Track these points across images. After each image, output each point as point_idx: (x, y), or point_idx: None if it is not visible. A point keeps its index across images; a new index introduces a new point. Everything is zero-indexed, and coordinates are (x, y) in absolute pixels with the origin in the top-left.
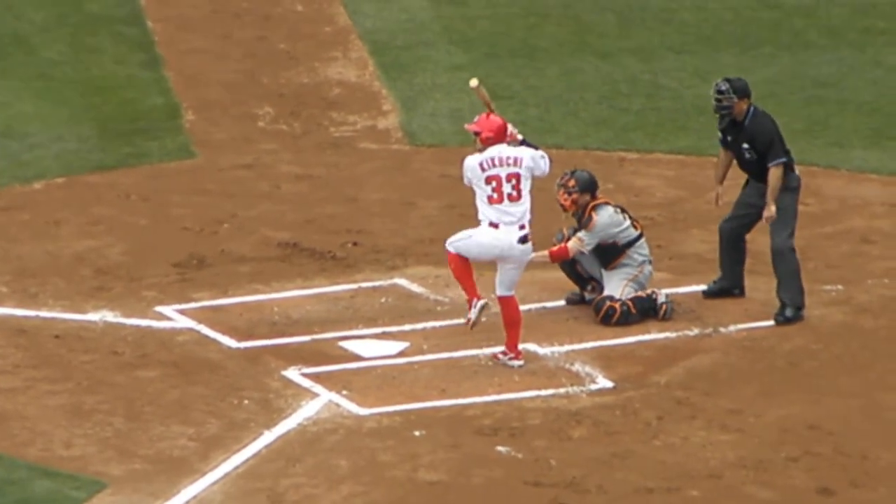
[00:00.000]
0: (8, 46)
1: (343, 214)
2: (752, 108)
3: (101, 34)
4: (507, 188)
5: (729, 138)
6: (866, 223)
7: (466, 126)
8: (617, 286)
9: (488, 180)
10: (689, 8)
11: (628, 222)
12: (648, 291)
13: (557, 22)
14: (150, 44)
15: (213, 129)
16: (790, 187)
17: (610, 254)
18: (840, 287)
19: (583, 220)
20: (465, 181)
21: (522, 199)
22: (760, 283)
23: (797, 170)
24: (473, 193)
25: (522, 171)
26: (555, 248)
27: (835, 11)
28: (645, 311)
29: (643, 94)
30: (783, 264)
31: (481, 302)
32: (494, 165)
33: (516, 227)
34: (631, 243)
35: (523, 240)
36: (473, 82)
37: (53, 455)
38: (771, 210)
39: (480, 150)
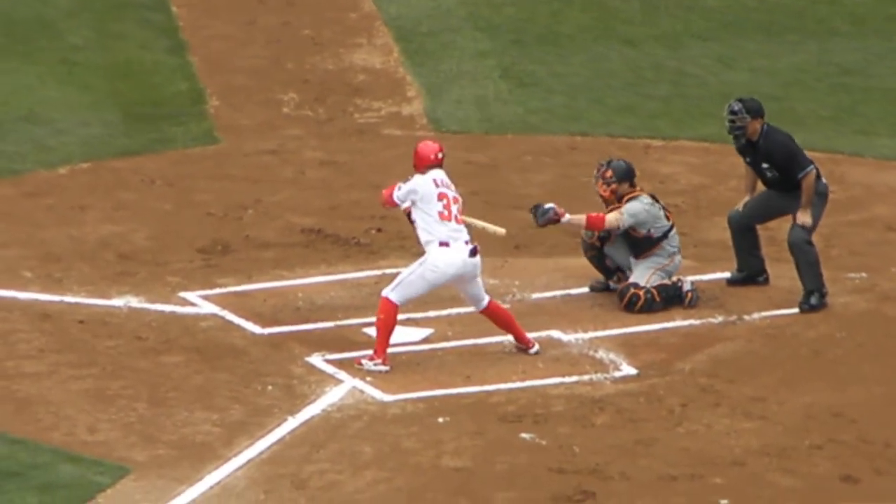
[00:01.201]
0: (33, 31)
1: (367, 201)
2: (764, 127)
3: (125, 19)
4: (453, 209)
5: (748, 159)
6: (891, 211)
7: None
8: (643, 274)
9: (440, 196)
10: None
11: (662, 213)
12: (674, 279)
13: (582, 8)
14: (175, 29)
15: (238, 114)
16: (818, 192)
17: (644, 245)
18: (864, 275)
19: (623, 201)
20: (406, 199)
21: (461, 224)
22: (785, 271)
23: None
24: (412, 222)
25: (458, 196)
26: (593, 214)
27: None
28: (670, 298)
29: (668, 81)
30: (801, 255)
31: (385, 367)
32: (444, 185)
33: (463, 242)
34: (665, 235)
35: (473, 252)
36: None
37: (77, 440)
38: (807, 220)
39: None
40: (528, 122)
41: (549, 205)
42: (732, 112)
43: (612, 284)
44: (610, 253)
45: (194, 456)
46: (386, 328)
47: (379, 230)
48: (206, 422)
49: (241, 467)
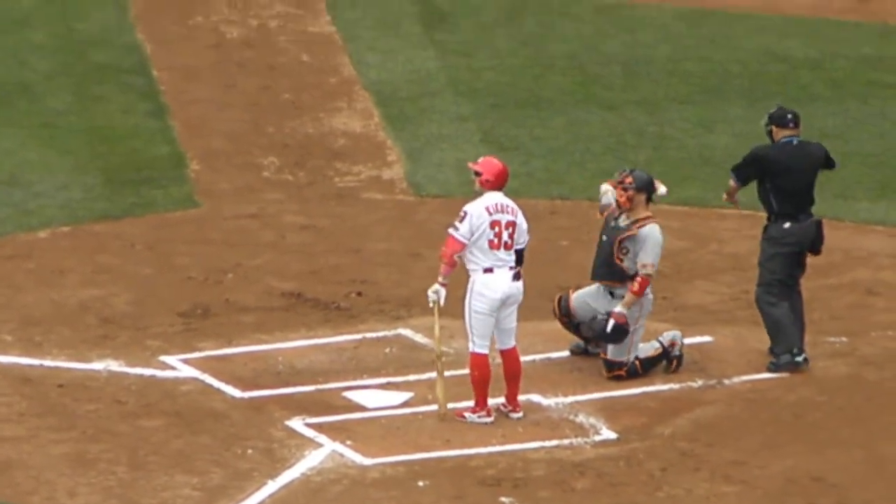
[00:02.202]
0: (13, 95)
1: (347, 265)
2: (785, 139)
3: (106, 83)
4: (504, 235)
5: None
6: (871, 275)
7: (469, 164)
8: (622, 349)
9: (492, 225)
10: (693, 59)
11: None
12: (665, 345)
13: (563, 73)
14: (156, 93)
15: (218, 178)
16: (772, 236)
17: (620, 272)
18: (844, 339)
19: (630, 232)
20: (465, 233)
21: (513, 248)
22: (764, 335)
23: (790, 224)
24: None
25: (518, 220)
26: (635, 288)
27: (840, 64)
28: (649, 368)
29: (649, 146)
30: (761, 314)
31: (489, 419)
32: (498, 211)
33: (507, 268)
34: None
35: (517, 276)
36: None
37: None
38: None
39: (477, 193)
40: (509, 185)
41: (614, 323)
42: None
43: (590, 349)
44: (579, 312)
45: None
46: (481, 382)
47: (359, 294)
48: (186, 486)
49: None
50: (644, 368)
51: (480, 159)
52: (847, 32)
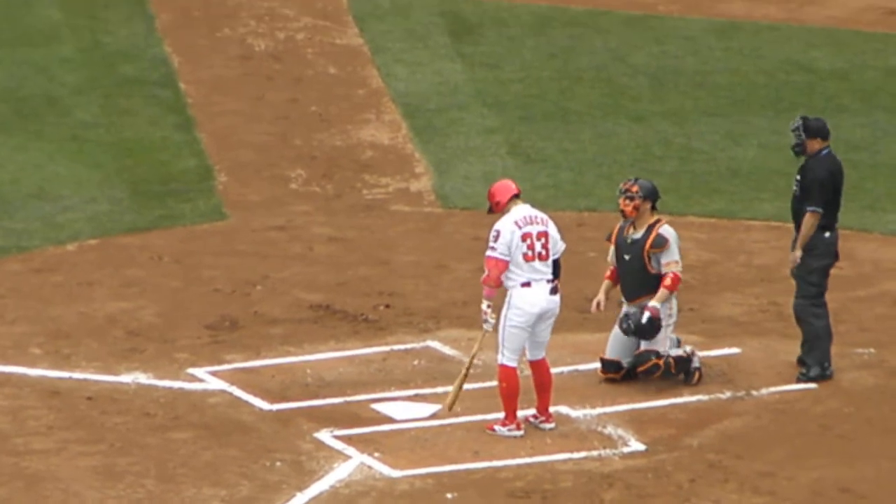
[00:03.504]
0: (41, 108)
1: (375, 277)
2: (823, 150)
3: (134, 96)
4: (537, 246)
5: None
6: None
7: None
8: (662, 341)
9: (524, 237)
10: (721, 71)
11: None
12: (689, 351)
13: (591, 85)
14: (183, 106)
15: (246, 190)
16: (816, 247)
17: (656, 282)
18: (873, 350)
19: (649, 241)
20: (504, 250)
21: (549, 258)
22: (792, 347)
23: (829, 234)
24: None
25: (550, 230)
26: (667, 283)
27: (868, 75)
28: (681, 371)
29: (676, 157)
30: (803, 326)
31: (519, 433)
32: (527, 223)
33: (545, 282)
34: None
35: (554, 290)
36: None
37: None
38: (796, 255)
39: (504, 213)
40: (536, 198)
41: (648, 314)
42: (793, 129)
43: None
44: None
45: None
46: (510, 394)
47: (387, 306)
48: (214, 498)
49: None
50: (676, 368)
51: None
52: (876, 43)
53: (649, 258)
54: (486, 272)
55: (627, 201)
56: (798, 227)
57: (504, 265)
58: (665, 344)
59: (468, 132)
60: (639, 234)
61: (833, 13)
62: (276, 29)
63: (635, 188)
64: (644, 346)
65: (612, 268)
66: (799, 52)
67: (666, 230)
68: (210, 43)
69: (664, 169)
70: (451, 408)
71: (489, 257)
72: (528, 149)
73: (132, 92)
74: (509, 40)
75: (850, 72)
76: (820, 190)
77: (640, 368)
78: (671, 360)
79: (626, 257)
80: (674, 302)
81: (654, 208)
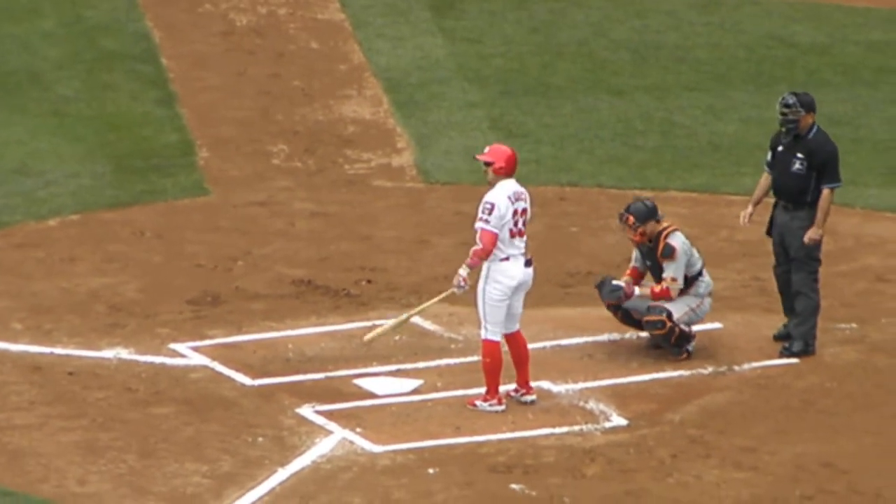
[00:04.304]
0: (23, 83)
1: (357, 252)
2: (815, 125)
3: (115, 71)
4: (520, 223)
5: (780, 148)
6: (881, 261)
7: (477, 156)
8: (679, 308)
9: (514, 213)
10: (703, 46)
11: (695, 251)
12: (693, 334)
13: (572, 60)
14: (165, 81)
15: (228, 166)
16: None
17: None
18: (854, 325)
19: (660, 249)
20: (496, 224)
21: (525, 234)
22: (774, 321)
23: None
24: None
25: (528, 206)
26: (657, 290)
27: (849, 50)
28: (676, 345)
29: (657, 132)
30: (799, 300)
31: (501, 407)
32: (517, 199)
33: (520, 255)
34: (698, 274)
35: (528, 263)
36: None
37: (67, 492)
38: (819, 233)
39: (490, 183)
40: (518, 173)
41: (618, 282)
42: (786, 105)
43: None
44: (629, 305)
45: None
46: (493, 369)
47: (369, 281)
48: (196, 473)
49: None
50: (676, 339)
51: (487, 149)
52: (857, 18)
53: (663, 267)
54: (480, 245)
55: (632, 232)
56: (798, 204)
57: (495, 237)
58: (681, 314)
59: (449, 107)
60: (652, 243)
61: None
62: (258, 4)
63: (630, 219)
64: (667, 304)
65: (632, 267)
66: (780, 27)
67: (674, 239)
68: (191, 18)
69: (645, 144)
70: (368, 341)
71: (484, 230)
72: (510, 123)
73: (114, 67)
74: (490, 15)
75: (832, 46)
76: (836, 164)
77: (649, 318)
78: (677, 330)
79: (648, 263)
80: (706, 301)
81: (658, 222)
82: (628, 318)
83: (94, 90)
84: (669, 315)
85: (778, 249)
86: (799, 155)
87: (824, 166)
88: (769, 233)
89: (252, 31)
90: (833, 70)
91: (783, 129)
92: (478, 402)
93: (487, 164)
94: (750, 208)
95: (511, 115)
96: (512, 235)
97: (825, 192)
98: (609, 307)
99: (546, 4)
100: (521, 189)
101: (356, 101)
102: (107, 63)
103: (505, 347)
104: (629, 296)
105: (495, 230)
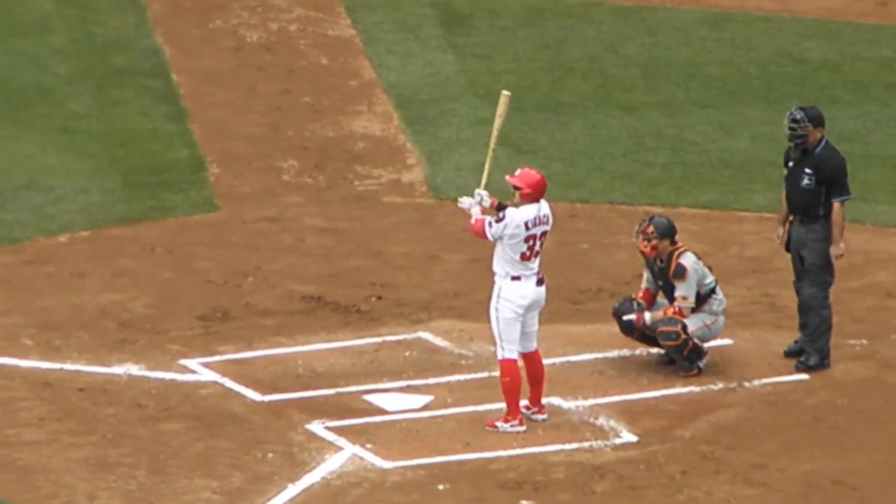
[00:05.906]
0: (33, 99)
1: (367, 268)
2: (824, 139)
3: (126, 87)
4: (536, 246)
5: (790, 164)
6: (892, 278)
7: (507, 178)
8: (694, 323)
9: (527, 239)
10: (713, 62)
11: (707, 270)
12: (706, 351)
13: (583, 76)
14: (175, 97)
15: (238, 182)
16: (827, 237)
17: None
18: (865, 341)
19: (671, 269)
20: (496, 234)
21: (539, 255)
22: (784, 338)
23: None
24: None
25: (549, 229)
26: (670, 312)
27: (860, 66)
28: (688, 359)
29: (668, 149)
30: (811, 315)
31: (521, 428)
32: (536, 224)
33: (533, 275)
34: (711, 292)
35: (540, 282)
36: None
37: None
38: (841, 247)
39: (517, 205)
40: None
41: (629, 317)
42: (794, 120)
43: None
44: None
45: None
46: (513, 389)
47: (379, 297)
48: (205, 489)
49: None
50: (688, 353)
51: (518, 171)
52: (868, 34)
53: (675, 287)
54: (472, 227)
55: (645, 242)
56: (811, 217)
57: (483, 236)
58: (695, 328)
59: (460, 123)
60: (663, 263)
61: (825, 4)
62: (269, 20)
63: (651, 228)
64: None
65: (644, 288)
66: (791, 44)
67: (685, 259)
68: (202, 34)
69: (656, 160)
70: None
71: (483, 229)
72: (520, 140)
73: (124, 83)
74: (501, 31)
75: (843, 63)
76: (844, 177)
77: (664, 329)
78: (690, 343)
79: (660, 283)
80: (720, 319)
81: (673, 243)
82: (644, 336)
83: (104, 106)
84: (684, 327)
85: (796, 263)
86: (807, 170)
87: (832, 180)
88: (788, 248)
89: (262, 47)
90: (844, 87)
91: (792, 144)
92: (498, 423)
93: (516, 187)
94: (780, 229)
95: (521, 131)
96: (524, 258)
97: (836, 205)
98: (630, 336)
99: (557, 21)
100: (547, 212)
101: (366, 118)
102: (117, 79)
103: (520, 363)
104: (640, 328)
105: (490, 238)
